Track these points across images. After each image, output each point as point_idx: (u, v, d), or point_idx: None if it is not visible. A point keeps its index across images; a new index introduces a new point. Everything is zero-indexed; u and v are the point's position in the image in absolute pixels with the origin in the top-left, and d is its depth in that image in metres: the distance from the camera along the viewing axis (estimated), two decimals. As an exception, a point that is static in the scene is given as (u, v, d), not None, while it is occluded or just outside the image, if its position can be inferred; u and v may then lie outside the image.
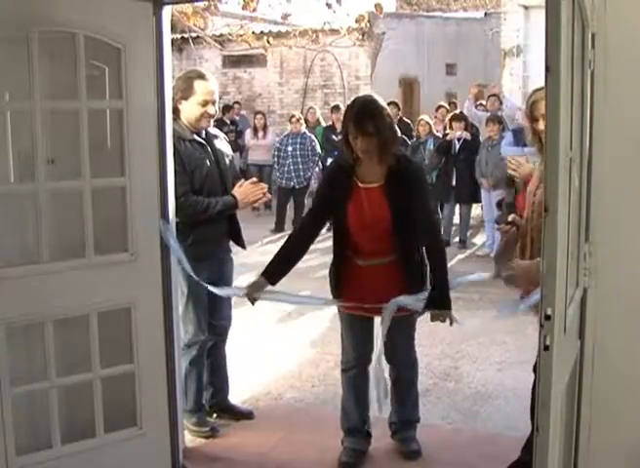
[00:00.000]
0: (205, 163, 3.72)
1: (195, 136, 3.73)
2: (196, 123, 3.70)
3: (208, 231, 3.75)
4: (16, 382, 2.94)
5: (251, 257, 8.78)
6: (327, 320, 6.24)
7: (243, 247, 4.02)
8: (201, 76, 3.72)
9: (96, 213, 3.07)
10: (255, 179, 4.04)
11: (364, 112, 3.27)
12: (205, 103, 3.68)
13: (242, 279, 7.53)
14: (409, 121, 11.23)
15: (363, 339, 3.58)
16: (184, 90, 3.67)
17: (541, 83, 2.03)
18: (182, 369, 3.70)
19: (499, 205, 8.41)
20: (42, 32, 2.88)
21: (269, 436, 3.91)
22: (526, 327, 5.49)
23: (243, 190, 3.79)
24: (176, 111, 3.65)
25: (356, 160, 3.36)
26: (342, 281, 3.51)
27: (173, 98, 3.58)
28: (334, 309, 6.50)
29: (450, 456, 3.65)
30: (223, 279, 3.91)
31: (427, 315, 3.39)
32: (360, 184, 3.36)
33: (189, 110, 3.68)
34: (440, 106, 10.91)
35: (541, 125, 3.07)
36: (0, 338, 2.88)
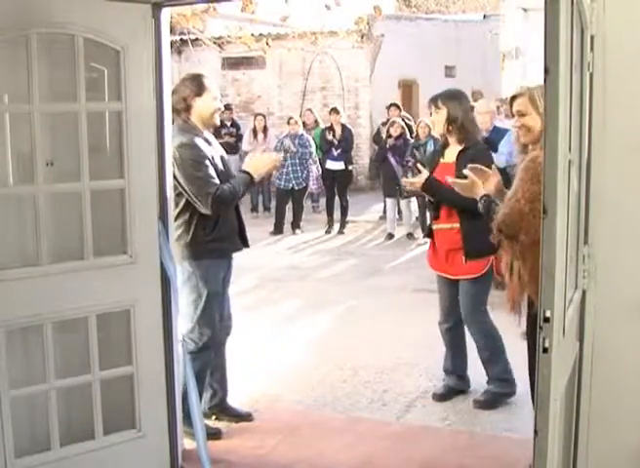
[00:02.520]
0: (215, 160, 3.78)
1: (205, 134, 3.81)
2: (210, 117, 3.79)
3: (226, 228, 3.79)
4: (15, 384, 2.94)
5: (250, 259, 8.80)
6: (326, 322, 6.24)
7: (247, 245, 4.01)
8: (205, 76, 3.84)
9: (95, 215, 3.07)
10: (263, 150, 4.13)
11: None
12: (216, 99, 3.81)
13: (242, 280, 7.59)
14: (410, 122, 11.23)
15: (445, 299, 4.48)
16: (197, 86, 3.74)
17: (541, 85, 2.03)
18: (190, 371, 3.67)
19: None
20: (41, 34, 2.88)
21: (268, 438, 3.90)
22: (523, 328, 5.48)
23: (254, 163, 3.83)
24: (188, 109, 3.72)
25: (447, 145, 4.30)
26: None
27: (184, 98, 3.69)
28: (333, 311, 6.53)
29: (449, 458, 3.65)
30: (227, 277, 3.95)
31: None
32: (442, 161, 4.31)
33: (205, 106, 3.75)
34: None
35: (517, 122, 3.12)
36: (-1, 340, 2.89)
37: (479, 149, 4.25)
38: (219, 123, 3.92)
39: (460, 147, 4.23)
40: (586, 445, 2.73)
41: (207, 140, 3.80)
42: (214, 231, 3.72)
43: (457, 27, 18.56)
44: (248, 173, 3.77)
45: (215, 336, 3.82)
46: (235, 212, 3.89)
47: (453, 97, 4.32)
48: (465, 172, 3.45)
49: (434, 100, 4.32)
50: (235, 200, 3.76)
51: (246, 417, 4.10)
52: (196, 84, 3.74)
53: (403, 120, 10.90)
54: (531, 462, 2.11)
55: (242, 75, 16.33)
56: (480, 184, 3.36)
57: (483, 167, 3.47)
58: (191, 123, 3.74)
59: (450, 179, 3.60)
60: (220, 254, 3.80)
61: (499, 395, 4.31)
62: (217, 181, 3.65)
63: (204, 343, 3.77)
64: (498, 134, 7.01)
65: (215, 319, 3.81)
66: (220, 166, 3.79)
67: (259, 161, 3.85)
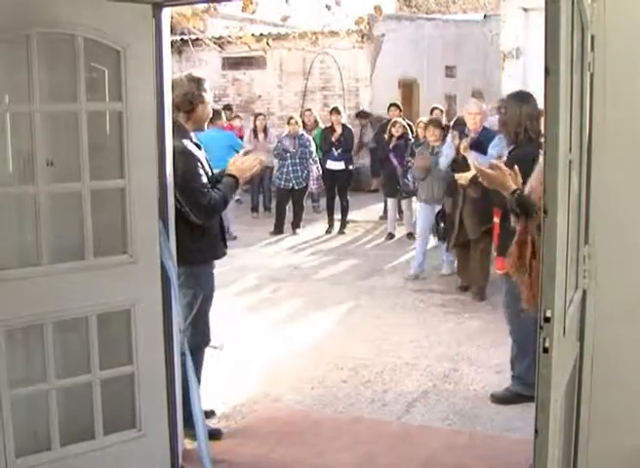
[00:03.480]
0: (205, 167, 3.80)
1: (194, 138, 3.83)
2: (204, 123, 3.85)
3: (214, 231, 3.83)
4: (15, 384, 2.94)
5: (251, 259, 8.81)
6: (327, 322, 6.24)
7: (225, 245, 4.03)
8: (206, 80, 3.86)
9: (95, 214, 3.07)
10: (244, 150, 4.13)
11: None
12: (210, 104, 3.86)
13: (242, 280, 7.60)
14: (410, 122, 11.24)
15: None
16: (203, 91, 3.77)
17: (541, 85, 2.03)
18: (191, 370, 3.66)
19: (441, 216, 7.37)
20: (42, 34, 2.88)
21: (268, 438, 3.91)
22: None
23: (238, 167, 3.84)
24: (190, 112, 3.73)
25: None
26: None
27: (191, 101, 3.70)
28: (333, 310, 6.53)
29: (449, 458, 3.65)
30: None
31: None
32: None
33: (204, 112, 3.80)
34: (434, 108, 10.92)
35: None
36: (-1, 340, 2.89)
37: (524, 152, 4.24)
38: (205, 127, 3.92)
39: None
40: (587, 444, 2.73)
41: (197, 144, 3.81)
42: (202, 238, 3.74)
43: (457, 27, 18.56)
44: (233, 176, 3.79)
45: (208, 335, 3.86)
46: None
47: (514, 99, 4.57)
48: (493, 162, 3.30)
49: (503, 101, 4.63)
50: (226, 207, 3.80)
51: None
52: (203, 89, 3.76)
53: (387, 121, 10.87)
54: (531, 462, 2.12)
55: (242, 75, 16.34)
56: (509, 178, 3.17)
57: (502, 165, 3.32)
58: (187, 125, 3.74)
59: (475, 164, 3.42)
60: (209, 259, 3.85)
61: (517, 395, 4.30)
62: (209, 191, 3.65)
63: (198, 343, 3.78)
64: (487, 135, 6.72)
65: (208, 320, 3.85)
66: (208, 169, 3.81)
67: (243, 164, 3.85)
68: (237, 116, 12.94)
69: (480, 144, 6.58)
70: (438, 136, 7.59)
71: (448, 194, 7.06)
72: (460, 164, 6.73)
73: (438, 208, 7.45)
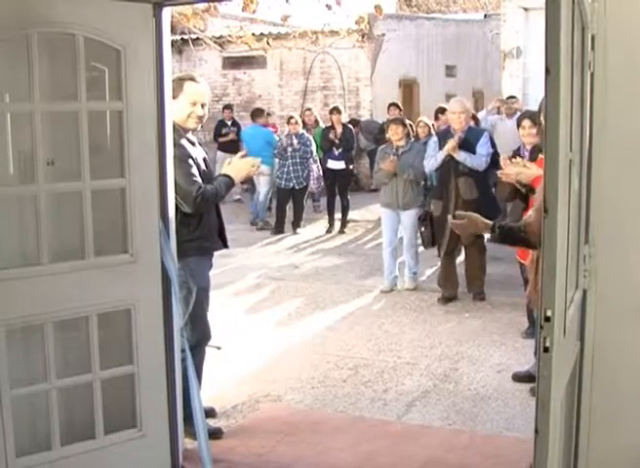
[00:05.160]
0: (198, 161, 3.79)
1: (189, 135, 3.80)
2: (183, 123, 3.73)
3: (209, 225, 3.83)
4: (15, 384, 2.94)
5: (251, 259, 8.81)
6: (327, 321, 6.24)
7: (226, 246, 4.02)
8: (192, 78, 3.80)
9: (95, 214, 3.07)
10: (243, 153, 4.10)
11: None
12: (194, 103, 3.73)
13: (242, 279, 7.60)
14: (411, 122, 11.22)
15: None
16: (174, 89, 3.67)
17: (541, 85, 2.03)
18: (191, 369, 3.65)
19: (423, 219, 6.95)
20: (42, 33, 2.88)
21: (269, 438, 3.91)
22: (524, 327, 5.49)
23: (234, 167, 3.84)
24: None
25: None
26: None
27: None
28: (333, 310, 6.53)
29: (450, 458, 3.65)
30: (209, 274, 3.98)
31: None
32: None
33: (178, 110, 3.68)
34: (440, 108, 10.90)
35: None
36: (0, 340, 2.88)
37: None
38: (193, 127, 3.79)
39: None
40: (587, 444, 2.73)
41: (190, 141, 3.79)
42: (197, 229, 3.74)
43: (457, 27, 18.56)
44: (228, 176, 3.79)
45: (208, 331, 3.86)
46: (216, 212, 3.92)
47: None
48: (518, 161, 3.03)
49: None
50: (217, 200, 3.79)
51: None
52: (175, 86, 3.65)
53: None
54: (531, 462, 2.12)
55: (243, 75, 16.34)
56: (480, 225, 3.11)
57: (526, 162, 3.10)
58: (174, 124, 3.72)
59: (449, 219, 3.19)
60: (204, 251, 3.83)
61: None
62: (199, 180, 3.66)
63: (198, 339, 3.78)
64: (473, 134, 6.54)
65: (206, 314, 3.85)
66: (203, 166, 3.81)
67: (238, 164, 3.86)
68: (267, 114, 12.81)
69: (468, 144, 6.43)
70: (401, 135, 7.13)
71: (437, 197, 6.72)
72: (447, 166, 6.51)
73: (407, 214, 7.12)
